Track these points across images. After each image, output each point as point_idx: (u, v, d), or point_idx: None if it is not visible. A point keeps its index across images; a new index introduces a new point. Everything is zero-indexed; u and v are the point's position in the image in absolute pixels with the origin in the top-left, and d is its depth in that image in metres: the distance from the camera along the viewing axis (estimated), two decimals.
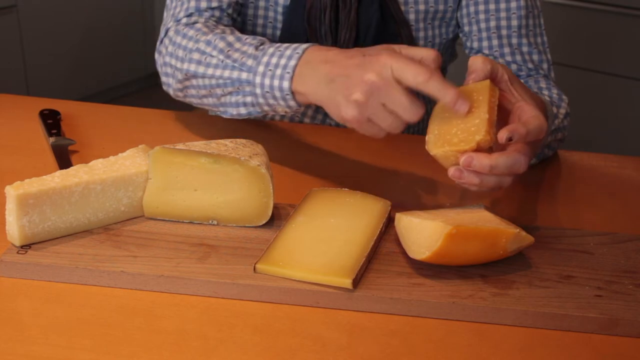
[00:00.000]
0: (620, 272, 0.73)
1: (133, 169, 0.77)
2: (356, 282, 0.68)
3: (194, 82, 0.95)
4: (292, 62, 0.83)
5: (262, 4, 1.08)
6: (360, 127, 0.78)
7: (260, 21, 1.10)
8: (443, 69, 1.25)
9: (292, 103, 0.85)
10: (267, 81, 0.85)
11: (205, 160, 0.76)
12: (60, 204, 0.72)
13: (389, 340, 0.64)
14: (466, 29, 1.11)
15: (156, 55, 1.03)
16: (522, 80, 0.92)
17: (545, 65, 1.09)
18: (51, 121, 1.02)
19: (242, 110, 0.91)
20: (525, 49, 1.08)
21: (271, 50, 0.86)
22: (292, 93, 0.84)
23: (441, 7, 1.10)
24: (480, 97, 0.75)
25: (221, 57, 0.90)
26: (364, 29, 1.06)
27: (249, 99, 0.89)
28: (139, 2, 3.26)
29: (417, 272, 0.71)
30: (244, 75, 0.88)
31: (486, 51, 1.09)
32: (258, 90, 0.87)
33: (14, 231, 0.71)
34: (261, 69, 0.86)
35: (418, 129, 1.24)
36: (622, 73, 2.21)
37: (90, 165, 0.76)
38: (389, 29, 1.07)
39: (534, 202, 0.92)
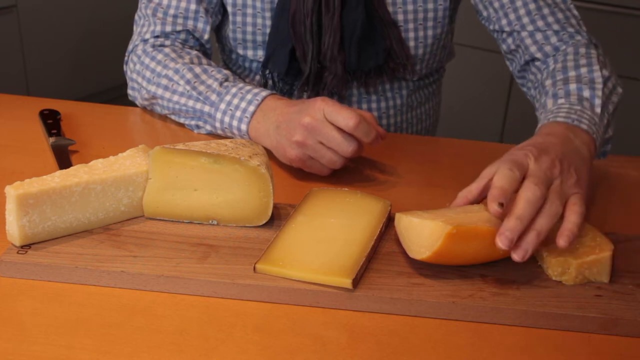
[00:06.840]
0: (620, 272, 0.73)
1: (133, 169, 0.77)
2: (356, 282, 0.68)
3: (159, 101, 1.05)
4: (251, 108, 0.94)
5: (249, 10, 1.09)
6: (304, 165, 0.89)
7: (249, 28, 1.11)
8: (440, 69, 1.25)
9: (247, 138, 0.95)
10: (226, 119, 0.97)
11: (205, 160, 0.76)
12: (60, 204, 0.72)
13: (388, 340, 0.64)
14: (484, 14, 1.10)
15: (124, 67, 1.12)
16: (554, 59, 0.99)
17: (573, 21, 1.04)
18: (51, 121, 1.02)
19: (202, 131, 1.03)
20: (545, 11, 1.03)
21: (234, 90, 0.97)
22: (248, 134, 0.95)
23: (430, 5, 1.09)
24: None
25: (187, 87, 1.01)
26: (349, 33, 1.05)
27: (208, 127, 1.02)
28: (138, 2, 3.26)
29: (417, 272, 0.71)
30: (207, 109, 0.99)
31: (507, 29, 1.06)
32: (218, 125, 0.99)
33: (14, 231, 0.71)
34: (223, 106, 0.97)
35: (417, 129, 1.24)
36: (622, 73, 2.20)
37: (90, 165, 0.76)
38: (375, 31, 1.06)
39: None
